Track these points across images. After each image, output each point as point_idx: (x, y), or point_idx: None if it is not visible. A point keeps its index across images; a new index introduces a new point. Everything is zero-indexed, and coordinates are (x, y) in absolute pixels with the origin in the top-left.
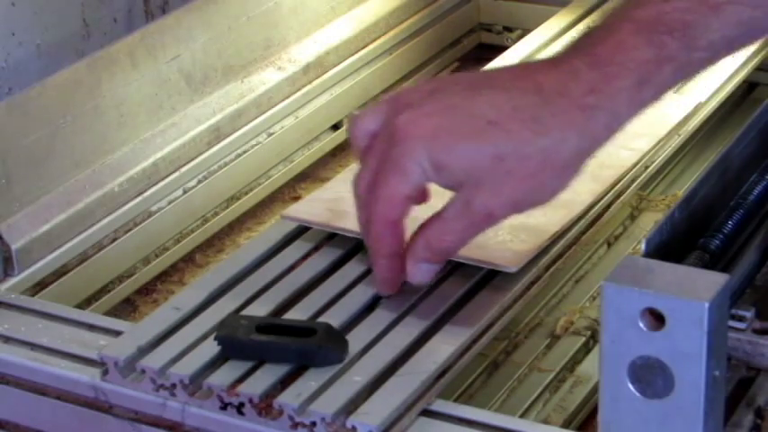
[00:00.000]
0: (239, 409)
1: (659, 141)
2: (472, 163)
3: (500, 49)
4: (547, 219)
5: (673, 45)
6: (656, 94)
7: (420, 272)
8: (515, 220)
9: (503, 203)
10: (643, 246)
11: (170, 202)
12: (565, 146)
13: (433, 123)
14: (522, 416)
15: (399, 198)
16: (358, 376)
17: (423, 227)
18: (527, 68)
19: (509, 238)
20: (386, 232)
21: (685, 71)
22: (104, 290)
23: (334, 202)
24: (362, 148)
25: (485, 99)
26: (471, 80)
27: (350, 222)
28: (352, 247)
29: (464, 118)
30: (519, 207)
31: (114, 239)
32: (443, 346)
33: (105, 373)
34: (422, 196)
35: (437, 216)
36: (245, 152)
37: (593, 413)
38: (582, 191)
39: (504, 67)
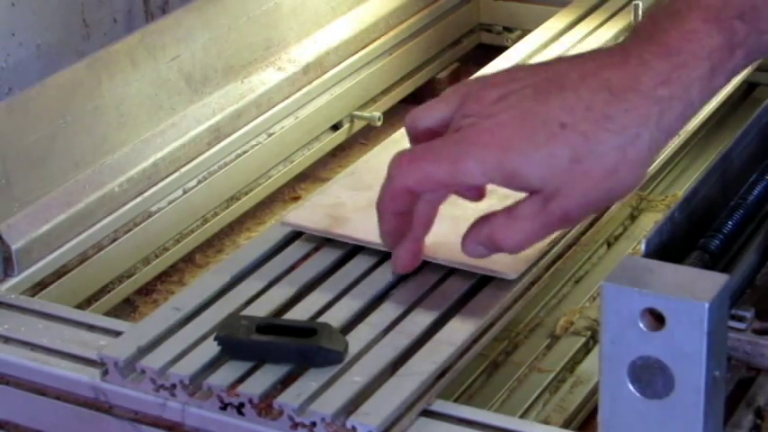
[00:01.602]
0: (239, 409)
1: None
2: (549, 169)
3: (500, 49)
4: None
5: (743, 30)
6: (727, 80)
7: (475, 251)
8: None
9: (580, 204)
10: (643, 246)
11: (170, 203)
12: (640, 141)
13: (506, 133)
14: (522, 416)
15: (433, 179)
16: (358, 376)
17: (488, 219)
18: (595, 63)
19: None
20: (396, 198)
21: (754, 55)
22: (104, 290)
23: (334, 208)
24: (416, 138)
25: (556, 102)
26: (540, 81)
27: (350, 229)
28: (353, 248)
29: (537, 124)
30: (596, 206)
31: (114, 239)
32: (443, 346)
33: (105, 373)
34: (475, 193)
35: (508, 212)
36: (245, 152)
37: (593, 413)
38: None
39: (571, 63)
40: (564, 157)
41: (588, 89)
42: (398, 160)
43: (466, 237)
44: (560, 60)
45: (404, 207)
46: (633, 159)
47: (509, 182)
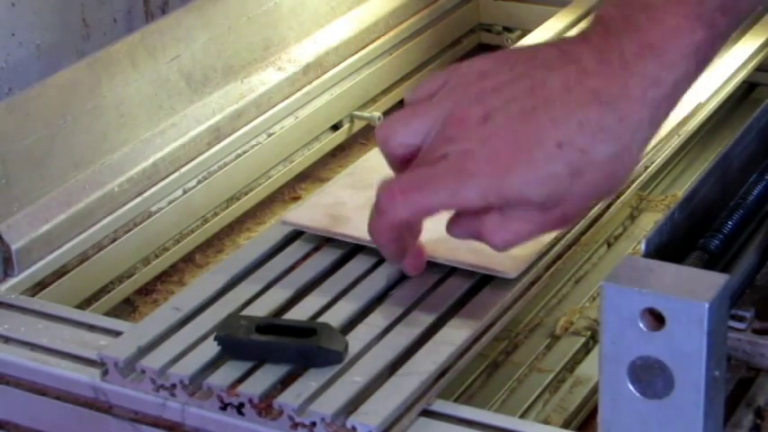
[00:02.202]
0: (239, 409)
1: (659, 141)
2: (551, 187)
3: (500, 49)
4: None
5: (723, 22)
6: (707, 67)
7: (461, 236)
8: None
9: (580, 208)
10: (643, 246)
11: (170, 203)
12: (635, 145)
13: (503, 159)
14: (522, 416)
15: (431, 210)
16: (358, 376)
17: (480, 215)
18: (574, 67)
19: None
20: (393, 231)
21: (728, 38)
22: (104, 290)
23: (334, 207)
24: (400, 160)
25: (545, 119)
26: (521, 94)
27: (350, 228)
28: (353, 248)
29: (532, 146)
30: (592, 204)
31: (114, 239)
32: (443, 346)
33: (105, 373)
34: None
35: (501, 212)
36: (245, 152)
37: (593, 413)
38: None
39: (548, 66)
40: (564, 173)
41: (577, 102)
42: (389, 192)
43: (454, 223)
44: (534, 58)
45: (402, 234)
46: (629, 160)
47: (510, 203)
